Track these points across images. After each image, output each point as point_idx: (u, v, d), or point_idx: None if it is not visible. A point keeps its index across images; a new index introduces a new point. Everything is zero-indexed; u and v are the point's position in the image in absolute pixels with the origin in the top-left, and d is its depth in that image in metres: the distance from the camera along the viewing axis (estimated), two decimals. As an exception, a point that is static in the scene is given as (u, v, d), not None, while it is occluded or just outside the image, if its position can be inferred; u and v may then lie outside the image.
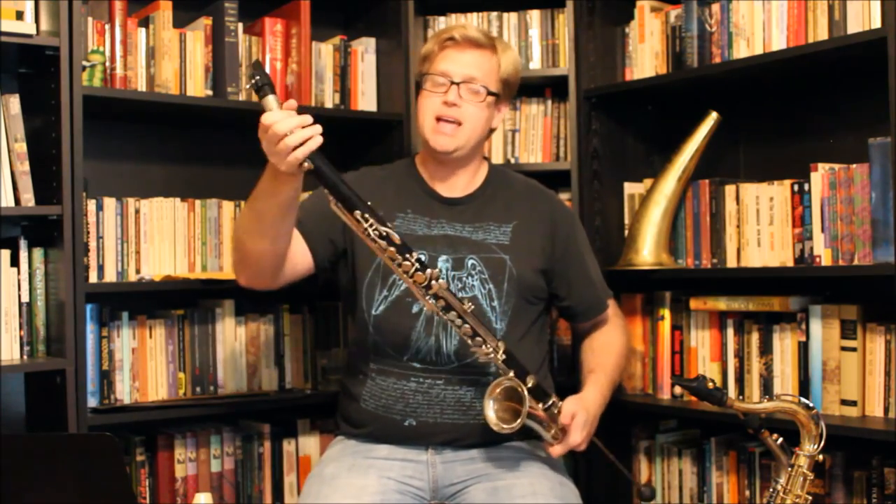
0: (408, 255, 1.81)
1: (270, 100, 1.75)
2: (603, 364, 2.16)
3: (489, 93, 2.10)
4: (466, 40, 2.09)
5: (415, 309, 2.03)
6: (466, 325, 1.85)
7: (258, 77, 1.74)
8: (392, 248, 1.80)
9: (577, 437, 1.94)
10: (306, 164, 1.75)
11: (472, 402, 2.00)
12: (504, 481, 1.95)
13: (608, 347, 2.22)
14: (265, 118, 1.73)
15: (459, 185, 2.16)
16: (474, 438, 2.01)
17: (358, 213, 1.79)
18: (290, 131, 1.71)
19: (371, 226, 1.79)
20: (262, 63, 2.64)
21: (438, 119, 2.07)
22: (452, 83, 2.07)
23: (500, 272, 2.06)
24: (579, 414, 1.94)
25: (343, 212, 1.80)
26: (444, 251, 2.06)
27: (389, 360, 2.03)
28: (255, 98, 1.79)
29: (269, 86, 1.75)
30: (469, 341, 1.87)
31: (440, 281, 1.82)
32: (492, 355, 1.87)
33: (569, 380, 2.58)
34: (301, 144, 1.72)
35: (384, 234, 1.79)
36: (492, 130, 2.20)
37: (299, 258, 2.07)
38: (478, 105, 2.09)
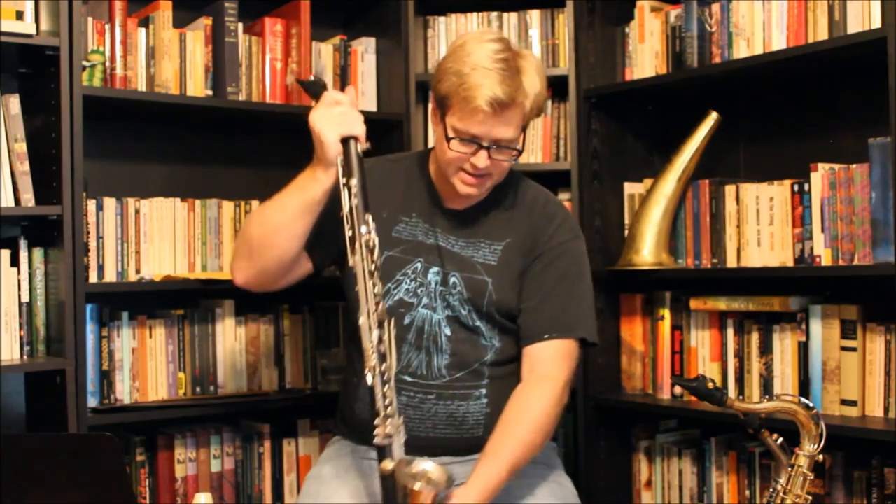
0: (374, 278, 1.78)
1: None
2: (501, 446, 1.88)
3: (517, 150, 1.96)
4: (500, 105, 1.86)
5: (406, 320, 1.98)
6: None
7: (317, 80, 1.92)
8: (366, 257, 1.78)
9: None
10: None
11: (464, 416, 1.96)
12: None
13: (516, 420, 1.91)
14: (337, 96, 1.88)
15: (467, 198, 2.03)
16: (467, 452, 1.97)
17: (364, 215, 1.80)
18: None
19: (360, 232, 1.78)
20: (263, 62, 2.65)
21: (463, 171, 1.94)
22: (481, 147, 1.90)
23: (479, 295, 1.98)
24: None
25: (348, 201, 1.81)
26: (435, 263, 2.00)
27: None
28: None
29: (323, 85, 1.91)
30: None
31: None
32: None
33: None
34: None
35: (370, 244, 1.78)
36: None
37: (301, 262, 2.03)
38: (504, 159, 1.95)
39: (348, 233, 1.78)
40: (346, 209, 1.79)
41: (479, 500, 1.81)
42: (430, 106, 2.05)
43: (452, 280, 1.99)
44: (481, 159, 1.91)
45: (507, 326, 2.01)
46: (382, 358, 1.75)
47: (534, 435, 1.90)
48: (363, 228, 1.77)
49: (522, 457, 1.89)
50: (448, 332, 1.97)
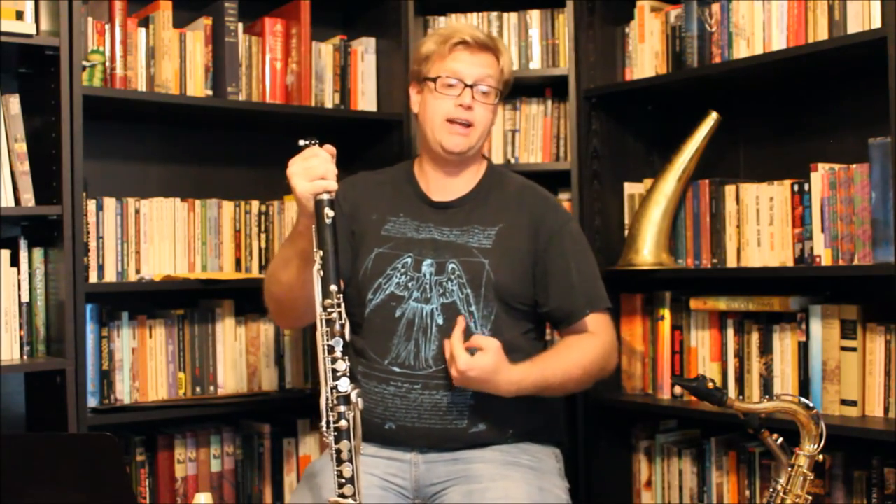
0: (331, 308, 1.70)
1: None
2: (545, 359, 2.03)
3: (497, 93, 2.12)
4: (477, 43, 2.10)
5: (397, 313, 2.03)
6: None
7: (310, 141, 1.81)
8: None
9: (462, 363, 1.87)
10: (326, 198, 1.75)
11: (448, 407, 1.99)
12: (480, 485, 1.94)
13: (564, 350, 2.08)
14: (317, 150, 1.79)
15: (454, 188, 2.14)
16: (452, 443, 2.01)
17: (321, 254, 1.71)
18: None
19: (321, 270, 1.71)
20: (263, 62, 2.65)
21: (450, 121, 2.08)
22: (466, 85, 2.08)
23: (477, 277, 2.04)
24: (487, 356, 1.89)
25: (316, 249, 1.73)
26: (429, 255, 2.05)
27: (372, 364, 2.04)
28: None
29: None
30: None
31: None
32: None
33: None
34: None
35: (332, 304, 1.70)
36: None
37: None
38: (487, 107, 2.10)
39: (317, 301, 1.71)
40: (314, 282, 1.71)
41: (515, 380, 1.93)
42: (410, 87, 2.18)
43: (451, 266, 2.05)
44: (466, 97, 2.07)
45: (502, 314, 2.03)
46: (345, 436, 1.66)
47: (574, 368, 2.02)
48: (327, 301, 1.69)
49: (555, 378, 2.00)
50: (440, 321, 2.02)
